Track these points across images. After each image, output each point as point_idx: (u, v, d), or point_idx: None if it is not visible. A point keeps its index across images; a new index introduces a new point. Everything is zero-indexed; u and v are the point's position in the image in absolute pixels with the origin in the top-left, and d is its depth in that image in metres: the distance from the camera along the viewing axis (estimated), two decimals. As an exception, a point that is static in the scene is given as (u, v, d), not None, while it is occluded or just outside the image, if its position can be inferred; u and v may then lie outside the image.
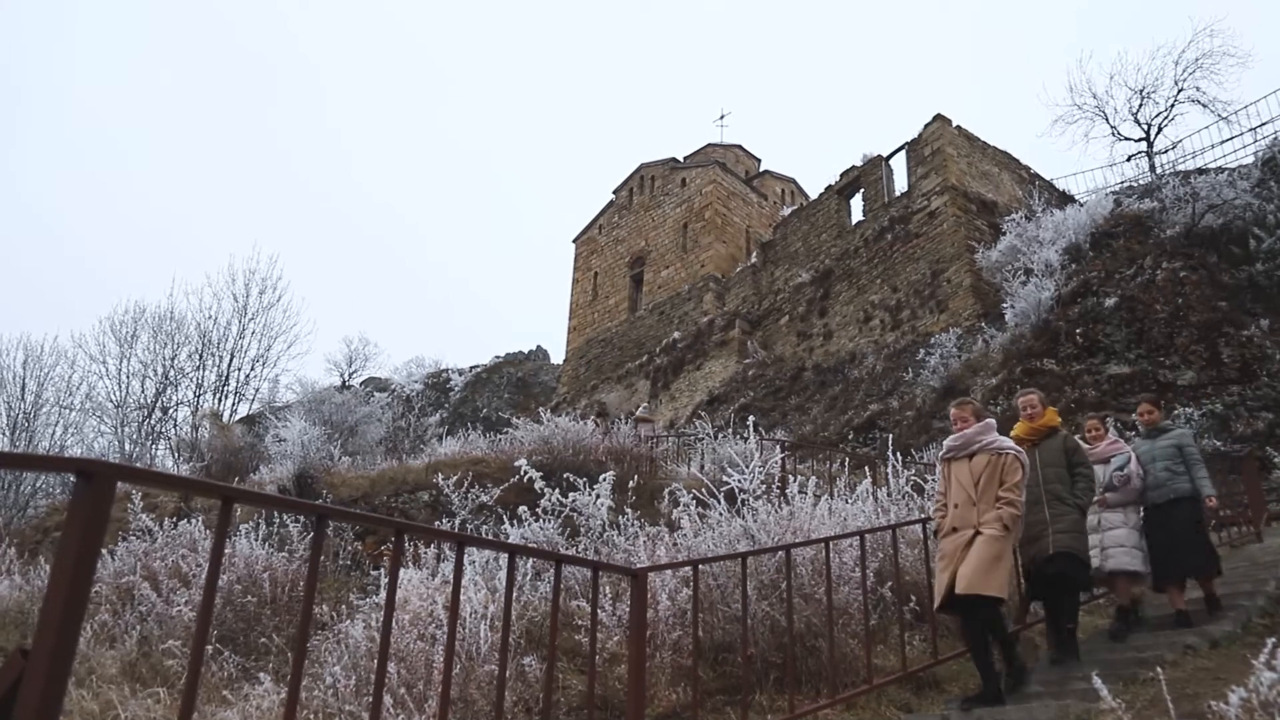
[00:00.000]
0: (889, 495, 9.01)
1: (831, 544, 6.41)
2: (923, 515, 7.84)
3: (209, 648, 7.27)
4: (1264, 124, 26.04)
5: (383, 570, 8.65)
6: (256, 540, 8.96)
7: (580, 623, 6.62)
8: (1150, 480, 7.83)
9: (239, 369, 31.52)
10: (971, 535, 6.07)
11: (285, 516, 10.15)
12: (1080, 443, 7.41)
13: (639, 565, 6.14)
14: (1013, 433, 7.08)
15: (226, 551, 8.97)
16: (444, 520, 11.74)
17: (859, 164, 29.73)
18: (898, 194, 27.72)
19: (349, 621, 6.59)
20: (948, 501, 6.45)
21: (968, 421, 6.54)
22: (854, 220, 29.41)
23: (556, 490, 8.44)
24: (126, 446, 27.66)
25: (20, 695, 2.04)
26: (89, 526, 2.27)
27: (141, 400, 29.55)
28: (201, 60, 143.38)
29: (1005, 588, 6.15)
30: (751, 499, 7.92)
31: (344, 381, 41.57)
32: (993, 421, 6.60)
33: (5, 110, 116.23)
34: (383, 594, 7.10)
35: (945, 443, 6.69)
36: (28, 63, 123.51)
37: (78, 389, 29.75)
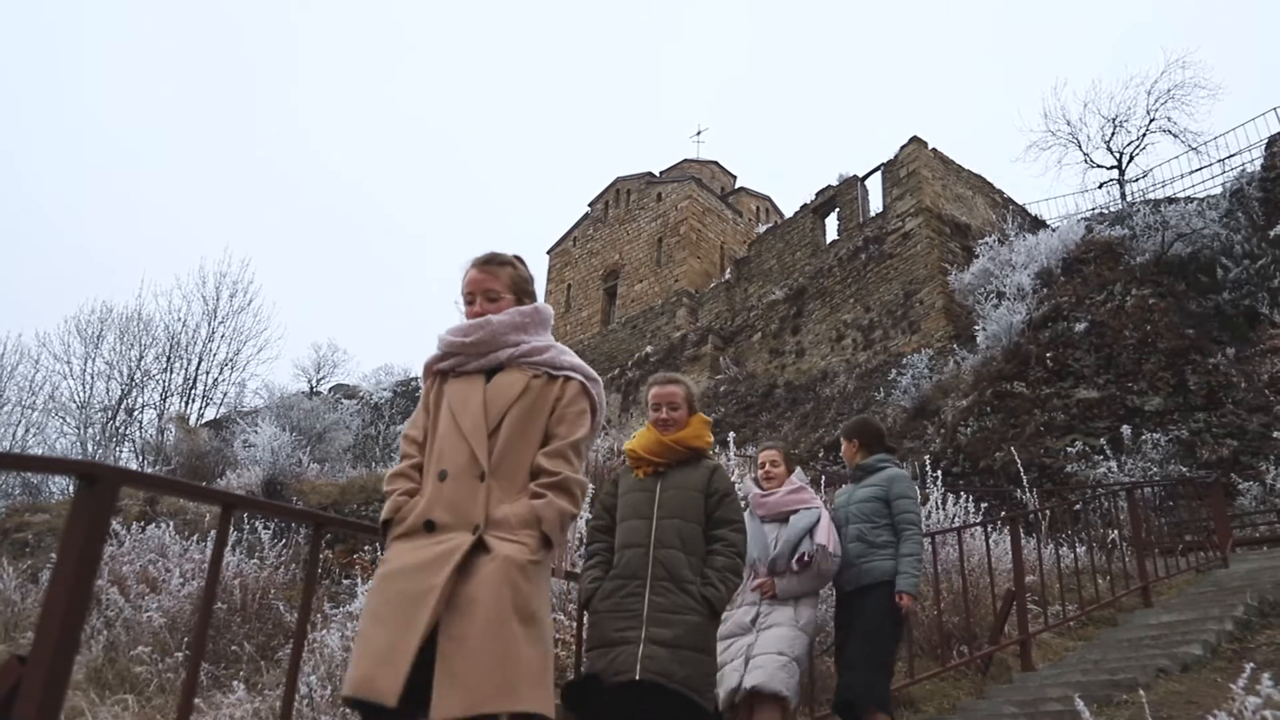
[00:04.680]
0: (863, 514, 9.00)
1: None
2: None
3: (178, 655, 7.21)
4: (1232, 155, 26.47)
5: (358, 579, 8.60)
6: (227, 547, 8.88)
7: (559, 637, 6.59)
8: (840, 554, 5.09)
9: (207, 372, 31.28)
10: (466, 547, 2.76)
11: (256, 522, 10.06)
12: (732, 479, 4.64)
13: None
14: (628, 444, 4.44)
15: (197, 558, 8.91)
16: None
17: (835, 183, 29.90)
18: (872, 214, 27.89)
19: (324, 630, 6.54)
20: (425, 461, 3.09)
21: (499, 302, 3.23)
22: (828, 239, 29.55)
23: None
24: (89, 448, 27.34)
25: (18, 705, 2.01)
26: (91, 532, 2.24)
27: (106, 401, 29.24)
28: (190, 59, 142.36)
29: (546, 690, 2.74)
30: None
31: (312, 388, 41.18)
32: (547, 312, 3.33)
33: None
34: (358, 603, 7.08)
35: (441, 336, 3.22)
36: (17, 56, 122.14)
37: (40, 389, 29.39)
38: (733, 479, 5.41)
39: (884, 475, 5.36)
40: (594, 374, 3.24)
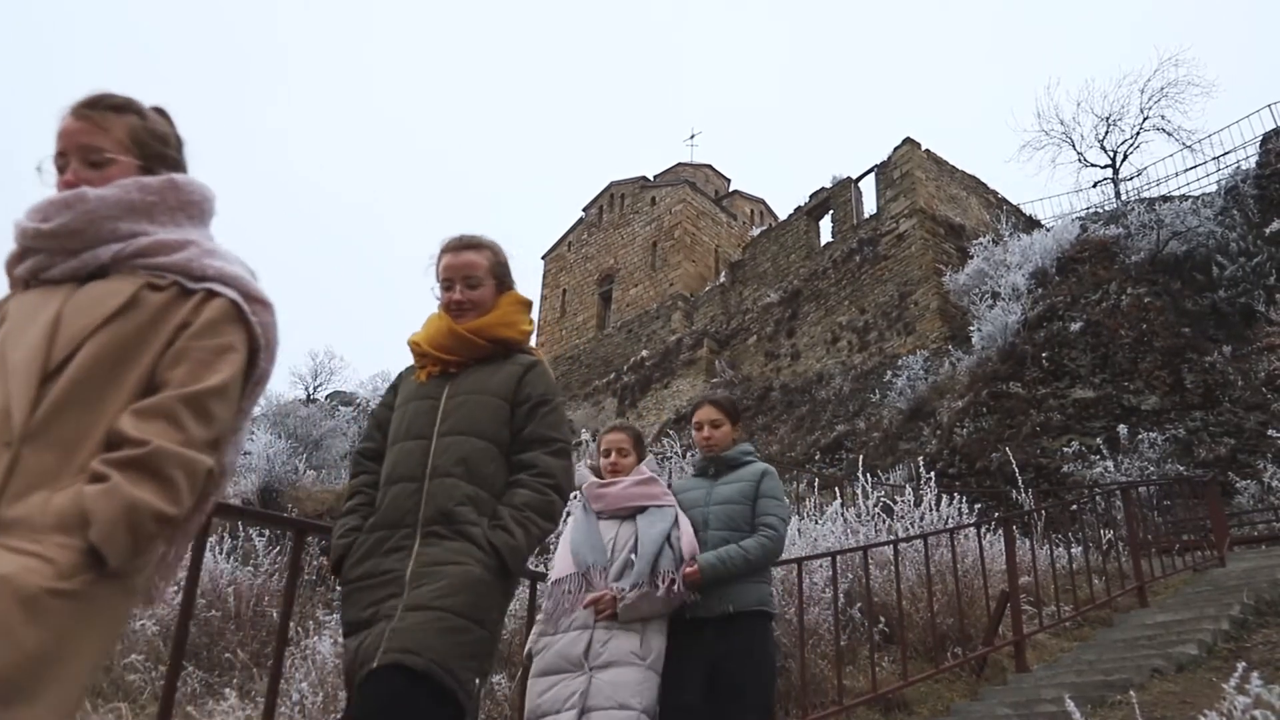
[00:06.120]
0: (858, 516, 9.02)
1: (802, 565, 6.39)
2: (891, 536, 7.84)
3: (171, 663, 7.17)
4: (1227, 153, 26.50)
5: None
6: (221, 554, 8.88)
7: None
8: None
9: (203, 380, 31.25)
10: None
11: (251, 531, 10.04)
12: (548, 387, 3.01)
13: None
14: (411, 336, 3.11)
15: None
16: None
17: (828, 185, 29.92)
18: (866, 216, 27.90)
19: (317, 638, 6.52)
20: None
21: (105, 169, 1.96)
22: (823, 241, 29.56)
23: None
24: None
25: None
26: (65, 540, 2.22)
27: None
28: (185, 62, 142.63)
29: None
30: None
31: (309, 395, 41.15)
32: (194, 191, 2.03)
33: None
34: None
35: (16, 220, 1.94)
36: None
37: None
38: (580, 465, 4.03)
39: (753, 470, 4.20)
40: (261, 292, 1.94)
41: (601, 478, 3.98)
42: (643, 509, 3.84)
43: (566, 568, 3.65)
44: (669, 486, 4.14)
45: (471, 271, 3.03)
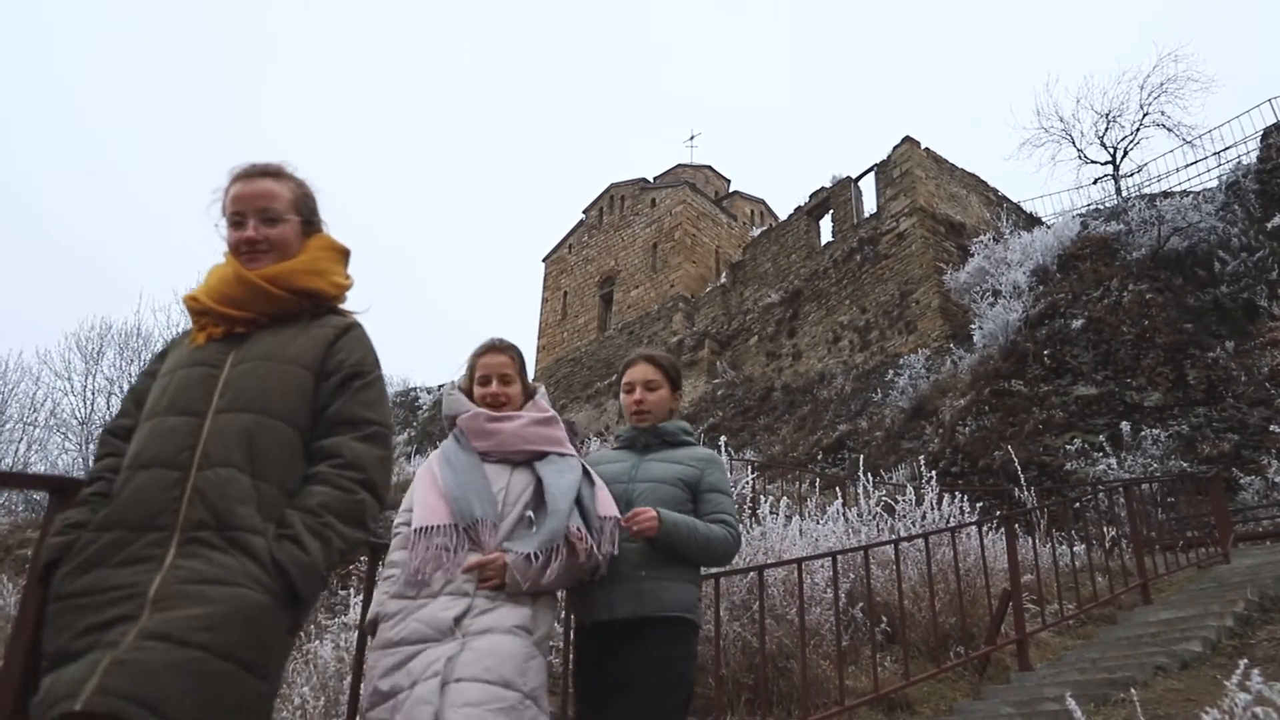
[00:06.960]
0: (859, 516, 9.00)
1: (804, 565, 6.37)
2: (893, 536, 7.82)
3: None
4: (1228, 148, 26.42)
5: (351, 590, 8.57)
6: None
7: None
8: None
9: (204, 385, 31.32)
10: None
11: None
12: (366, 355, 2.40)
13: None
14: (189, 292, 2.40)
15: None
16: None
17: (828, 185, 29.88)
18: (867, 215, 27.87)
19: (318, 641, 6.51)
20: None
21: None
22: (823, 241, 29.53)
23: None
24: (92, 464, 27.40)
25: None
26: (60, 546, 2.22)
27: (107, 417, 29.29)
28: (174, 68, 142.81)
29: None
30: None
31: (311, 399, 41.15)
32: None
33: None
34: (352, 614, 7.05)
35: None
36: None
37: (42, 405, 29.48)
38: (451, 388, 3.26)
39: (694, 454, 3.40)
40: None
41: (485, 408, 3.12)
42: (542, 455, 3.02)
43: (440, 516, 2.77)
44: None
45: (269, 203, 2.39)
